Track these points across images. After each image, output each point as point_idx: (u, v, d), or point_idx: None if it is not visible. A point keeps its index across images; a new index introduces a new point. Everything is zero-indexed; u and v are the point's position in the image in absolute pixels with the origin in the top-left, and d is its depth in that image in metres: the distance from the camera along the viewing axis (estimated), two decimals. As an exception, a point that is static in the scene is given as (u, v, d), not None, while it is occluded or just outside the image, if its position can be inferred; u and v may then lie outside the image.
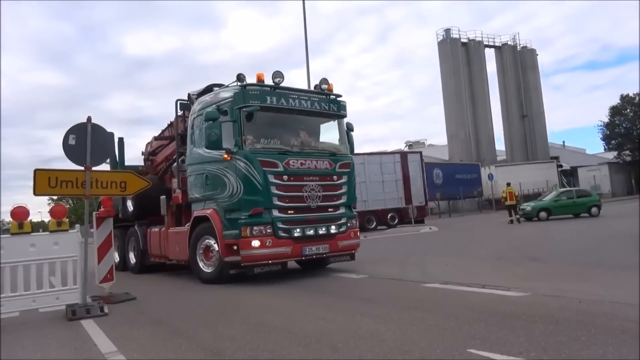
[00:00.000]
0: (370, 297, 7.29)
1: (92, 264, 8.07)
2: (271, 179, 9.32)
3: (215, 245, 9.81)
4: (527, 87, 56.30)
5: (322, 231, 9.84)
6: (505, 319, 5.26)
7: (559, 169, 50.78)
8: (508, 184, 27.73)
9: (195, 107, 10.70)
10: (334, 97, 10.58)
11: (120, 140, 14.53)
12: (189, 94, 12.41)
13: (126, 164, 14.58)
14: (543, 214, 26.66)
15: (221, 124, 9.35)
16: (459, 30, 55.27)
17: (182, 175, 11.19)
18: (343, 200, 10.29)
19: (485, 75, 54.78)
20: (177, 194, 11.38)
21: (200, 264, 10.26)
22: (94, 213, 9.28)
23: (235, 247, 9.25)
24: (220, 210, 9.70)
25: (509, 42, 57.75)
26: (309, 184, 9.75)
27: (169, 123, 13.74)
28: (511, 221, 25.68)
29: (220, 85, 11.39)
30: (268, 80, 9.73)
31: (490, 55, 56.93)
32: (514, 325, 4.91)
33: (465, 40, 55.35)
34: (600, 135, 59.26)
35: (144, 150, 15.45)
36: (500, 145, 57.82)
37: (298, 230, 9.48)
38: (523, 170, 47.19)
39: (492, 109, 55.14)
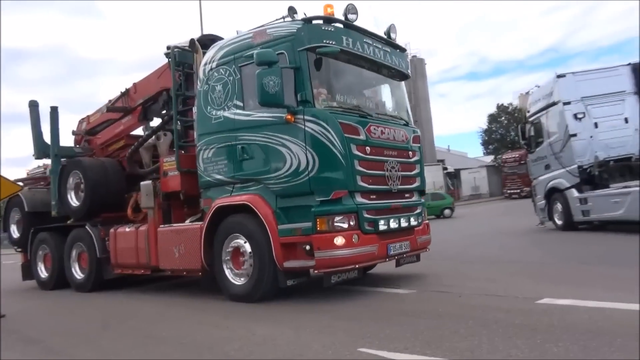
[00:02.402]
0: (266, 301, 6.83)
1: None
2: (353, 150, 6.52)
3: (247, 246, 6.95)
4: (417, 94, 57.46)
5: (404, 223, 7.26)
6: (394, 316, 5.47)
7: (444, 172, 52.54)
8: None
9: (214, 54, 7.60)
10: (402, 51, 8.03)
11: (54, 110, 10.60)
12: (169, 46, 9.11)
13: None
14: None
15: (281, 70, 6.35)
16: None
17: (185, 152, 8.29)
18: (417, 183, 7.79)
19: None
20: (170, 177, 8.05)
21: (228, 275, 7.10)
22: None
23: (307, 247, 6.38)
24: (269, 195, 6.82)
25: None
26: (390, 159, 7.14)
27: (123, 90, 10.20)
28: None
29: (214, 39, 8.35)
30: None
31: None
32: (401, 322, 5.12)
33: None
34: (480, 141, 62.71)
35: (76, 129, 11.57)
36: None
37: (383, 222, 6.83)
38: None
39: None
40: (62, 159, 10.53)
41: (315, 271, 6.57)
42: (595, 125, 12.91)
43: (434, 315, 5.29)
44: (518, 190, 41.02)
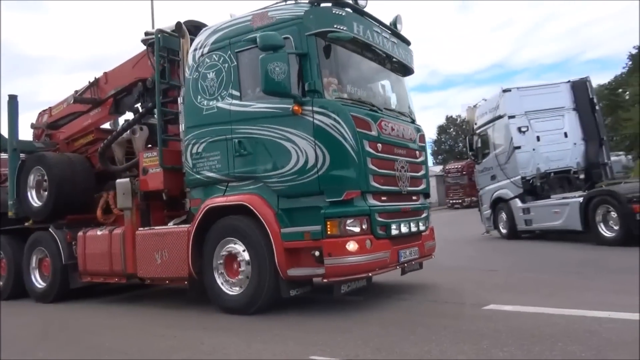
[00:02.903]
0: (217, 310, 6.51)
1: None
2: (366, 147, 5.88)
3: (245, 254, 6.15)
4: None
5: (414, 228, 6.67)
6: (344, 323, 5.41)
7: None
8: None
9: (205, 38, 6.82)
10: (408, 44, 7.46)
11: (12, 99, 9.52)
12: (148, 32, 8.30)
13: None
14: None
15: (288, 56, 5.64)
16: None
17: (169, 146, 7.50)
18: (424, 185, 7.19)
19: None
20: (151, 175, 7.19)
21: (221, 284, 6.29)
22: None
23: (316, 253, 5.65)
24: (270, 194, 6.12)
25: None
26: (399, 159, 6.52)
27: (92, 80, 9.22)
28: None
29: (199, 26, 7.60)
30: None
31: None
32: (352, 329, 5.09)
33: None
34: (430, 151, 63.62)
35: (36, 122, 10.44)
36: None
37: (395, 226, 6.19)
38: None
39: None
40: (22, 154, 9.41)
41: (324, 280, 5.84)
42: (538, 138, 13.39)
43: (384, 323, 5.30)
44: (460, 201, 41.36)
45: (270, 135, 6.16)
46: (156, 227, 7.26)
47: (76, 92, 9.61)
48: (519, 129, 13.34)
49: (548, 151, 13.30)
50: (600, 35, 68.62)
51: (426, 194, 7.44)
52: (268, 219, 6.06)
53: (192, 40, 7.23)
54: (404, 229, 6.48)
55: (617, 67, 65.07)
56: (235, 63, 6.50)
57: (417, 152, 7.20)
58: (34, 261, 8.87)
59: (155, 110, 8.26)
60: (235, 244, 6.40)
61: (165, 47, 7.58)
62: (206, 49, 6.83)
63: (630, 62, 39.31)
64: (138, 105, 9.04)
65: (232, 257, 6.43)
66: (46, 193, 8.77)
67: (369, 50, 6.67)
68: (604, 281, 6.98)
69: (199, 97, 6.79)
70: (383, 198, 6.30)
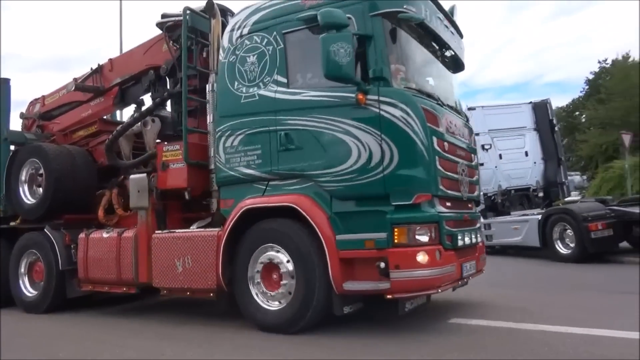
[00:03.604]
0: (182, 319, 6.38)
1: None
2: (434, 144, 5.09)
3: (289, 264, 5.29)
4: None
5: (473, 239, 5.88)
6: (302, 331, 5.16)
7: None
8: None
9: (245, 18, 5.98)
10: (461, 37, 6.74)
11: (4, 83, 8.42)
12: (165, 15, 7.40)
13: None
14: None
15: (353, 37, 4.83)
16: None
17: (196, 138, 6.49)
18: (477, 192, 6.45)
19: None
20: (172, 171, 6.23)
21: (257, 297, 5.36)
22: None
23: (381, 265, 4.77)
24: (321, 196, 5.27)
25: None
26: (460, 161, 5.74)
27: (95, 67, 8.22)
28: None
29: (224, 9, 6.80)
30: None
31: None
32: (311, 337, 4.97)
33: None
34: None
35: (26, 111, 9.34)
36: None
37: (460, 236, 5.39)
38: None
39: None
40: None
41: (387, 296, 4.98)
42: (500, 156, 13.76)
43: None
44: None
45: (325, 127, 5.29)
46: (178, 231, 6.26)
47: (75, 79, 8.56)
48: (483, 147, 13.33)
49: (509, 169, 13.72)
50: (558, 60, 70.21)
51: (477, 202, 6.68)
52: (320, 223, 5.18)
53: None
54: (467, 240, 5.68)
55: (574, 90, 66.99)
56: (282, 46, 5.62)
57: (472, 154, 6.44)
58: (23, 266, 7.68)
59: (170, 102, 7.39)
60: (276, 251, 5.47)
61: (194, 27, 6.64)
62: (246, 30, 5.93)
63: (587, 87, 40.49)
64: (143, 96, 8.15)
65: (271, 266, 5.51)
66: (41, 189, 7.66)
67: (431, 38, 5.91)
68: (567, 298, 7.06)
69: (236, 83, 5.88)
70: (447, 204, 5.49)
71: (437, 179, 5.15)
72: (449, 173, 5.43)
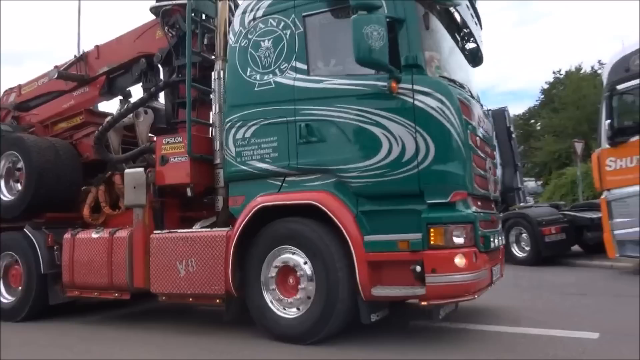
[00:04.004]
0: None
1: None
2: (469, 138, 4.69)
3: (307, 266, 4.77)
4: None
5: (499, 241, 5.50)
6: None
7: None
8: None
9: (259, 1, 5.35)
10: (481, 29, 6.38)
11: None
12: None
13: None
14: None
15: (386, 20, 4.39)
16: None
17: (200, 130, 6.05)
18: (498, 191, 6.09)
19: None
20: (172, 166, 5.67)
21: (271, 304, 4.84)
22: None
23: (417, 268, 4.32)
24: (345, 193, 4.78)
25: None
26: (487, 158, 5.37)
27: (80, 55, 7.57)
28: None
29: None
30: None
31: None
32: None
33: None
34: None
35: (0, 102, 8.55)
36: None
37: (492, 237, 5.00)
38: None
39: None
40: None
41: (422, 303, 4.53)
42: None
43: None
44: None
45: (351, 118, 4.80)
46: (180, 231, 5.66)
47: (56, 67, 7.86)
48: None
49: None
50: (516, 70, 71.77)
51: (497, 202, 6.31)
52: (346, 223, 4.69)
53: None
54: (496, 242, 5.29)
55: (530, 99, 68.83)
56: (302, 29, 5.12)
57: (494, 152, 6.09)
58: (-1, 269, 6.94)
59: (163, 93, 6.82)
60: (292, 253, 4.96)
61: (198, 10, 6.08)
62: (260, 12, 5.39)
63: (542, 96, 41.34)
64: (132, 87, 7.54)
65: (287, 270, 4.99)
66: (19, 184, 6.93)
67: (458, 27, 5.52)
68: (524, 299, 7.04)
69: (249, 69, 5.34)
70: (478, 203, 5.09)
71: (472, 176, 4.74)
72: (480, 170, 5.02)
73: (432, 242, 4.40)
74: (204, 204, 6.09)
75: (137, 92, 7.57)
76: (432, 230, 4.40)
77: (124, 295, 6.00)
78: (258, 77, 5.23)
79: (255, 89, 5.23)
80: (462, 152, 4.57)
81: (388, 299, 4.64)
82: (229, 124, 5.33)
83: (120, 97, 7.67)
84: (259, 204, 5.02)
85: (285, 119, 5.03)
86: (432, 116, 4.50)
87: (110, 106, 8.06)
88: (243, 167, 5.22)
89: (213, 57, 5.97)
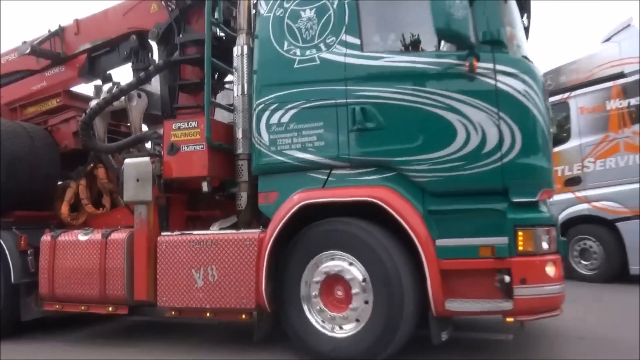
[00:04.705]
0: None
1: None
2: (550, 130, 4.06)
3: (359, 275, 3.98)
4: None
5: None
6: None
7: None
8: None
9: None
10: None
11: None
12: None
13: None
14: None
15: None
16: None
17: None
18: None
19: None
20: (185, 155, 4.73)
21: (314, 320, 4.00)
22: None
23: (505, 278, 3.59)
24: (409, 189, 4.00)
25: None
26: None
27: (54, 29, 6.49)
28: None
29: None
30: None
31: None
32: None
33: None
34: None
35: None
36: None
37: (562, 243, 4.36)
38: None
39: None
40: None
41: (508, 319, 3.81)
42: None
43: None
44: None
45: (418, 102, 4.03)
46: (196, 232, 4.69)
47: (25, 43, 6.70)
48: None
49: None
50: None
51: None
52: (414, 224, 3.91)
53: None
54: (562, 248, 4.65)
55: None
56: None
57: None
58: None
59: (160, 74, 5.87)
60: (341, 260, 4.13)
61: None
62: (302, -22, 4.55)
63: None
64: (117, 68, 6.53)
65: (334, 280, 4.15)
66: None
67: (522, 10, 4.88)
68: None
69: (286, 43, 4.47)
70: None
71: (553, 172, 4.08)
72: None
73: (520, 248, 3.68)
74: (215, 201, 5.14)
75: (121, 74, 6.54)
76: (520, 233, 3.69)
77: (120, 309, 4.93)
78: (298, 52, 4.37)
79: (295, 66, 4.37)
80: (548, 143, 3.91)
81: (466, 314, 3.89)
82: (261, 106, 4.44)
83: (99, 80, 6.59)
84: (302, 201, 4.15)
85: (334, 101, 4.20)
86: (519, 101, 3.81)
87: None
88: (279, 158, 4.34)
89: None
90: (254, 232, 4.34)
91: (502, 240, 3.69)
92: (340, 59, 4.21)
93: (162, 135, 4.90)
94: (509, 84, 3.81)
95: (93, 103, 5.81)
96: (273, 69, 4.45)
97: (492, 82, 3.82)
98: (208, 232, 4.60)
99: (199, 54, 5.16)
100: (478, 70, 3.83)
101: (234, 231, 4.48)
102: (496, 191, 3.82)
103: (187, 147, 4.75)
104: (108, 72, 6.55)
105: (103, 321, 6.05)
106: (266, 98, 4.41)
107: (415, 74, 4.02)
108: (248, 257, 4.26)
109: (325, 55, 4.26)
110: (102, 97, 5.67)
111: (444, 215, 3.91)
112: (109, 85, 6.06)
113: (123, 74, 6.74)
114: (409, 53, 4.09)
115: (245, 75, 4.76)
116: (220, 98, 5.64)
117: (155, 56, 5.98)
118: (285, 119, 4.33)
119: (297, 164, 4.27)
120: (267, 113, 4.40)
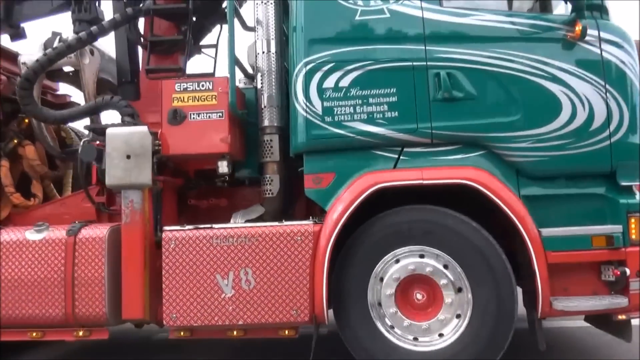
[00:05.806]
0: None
1: None
2: None
3: (449, 274, 3.25)
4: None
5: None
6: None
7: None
8: None
9: None
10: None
11: None
12: None
13: None
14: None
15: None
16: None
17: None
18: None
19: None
20: (193, 127, 3.64)
21: (385, 331, 3.25)
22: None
23: (626, 272, 3.16)
24: (502, 170, 3.34)
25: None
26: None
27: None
28: None
29: None
30: None
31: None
32: None
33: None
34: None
35: None
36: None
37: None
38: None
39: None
40: None
41: (620, 317, 3.33)
42: None
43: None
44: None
45: (517, 68, 3.39)
46: (218, 226, 3.51)
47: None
48: None
49: None
50: None
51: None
52: (519, 212, 3.27)
53: None
54: None
55: None
56: None
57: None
58: None
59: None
60: (421, 256, 3.34)
61: None
62: None
63: None
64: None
65: (412, 282, 3.35)
66: None
67: None
68: None
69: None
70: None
71: None
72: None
73: (633, 237, 3.22)
74: (220, 188, 3.99)
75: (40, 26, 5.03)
76: (633, 220, 3.23)
77: (95, 333, 3.54)
78: (361, 1, 3.46)
79: (357, 17, 3.46)
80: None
81: (576, 314, 3.32)
82: (310, 66, 3.44)
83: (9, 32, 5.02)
84: (377, 184, 3.26)
85: (410, 64, 3.37)
86: (625, 74, 3.36)
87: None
88: (337, 131, 3.39)
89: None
90: (306, 224, 3.33)
91: (617, 228, 3.20)
92: (417, 12, 3.40)
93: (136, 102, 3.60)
94: (614, 54, 3.35)
95: (28, 59, 4.25)
96: (327, 20, 3.49)
97: (597, 50, 3.31)
98: (239, 225, 3.45)
99: (182, 2, 3.99)
100: (580, 38, 3.27)
101: (276, 223, 3.39)
102: (600, 173, 3.29)
103: (198, 115, 3.55)
104: (22, 26, 4.98)
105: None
106: (317, 55, 3.43)
107: (510, 35, 3.35)
108: (300, 257, 3.26)
109: (397, 7, 3.42)
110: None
111: (540, 201, 3.32)
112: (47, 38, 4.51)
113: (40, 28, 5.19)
114: (503, 12, 3.40)
115: (272, 27, 3.70)
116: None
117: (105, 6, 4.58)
118: (344, 82, 3.39)
119: (362, 139, 3.35)
120: (318, 74, 3.41)
